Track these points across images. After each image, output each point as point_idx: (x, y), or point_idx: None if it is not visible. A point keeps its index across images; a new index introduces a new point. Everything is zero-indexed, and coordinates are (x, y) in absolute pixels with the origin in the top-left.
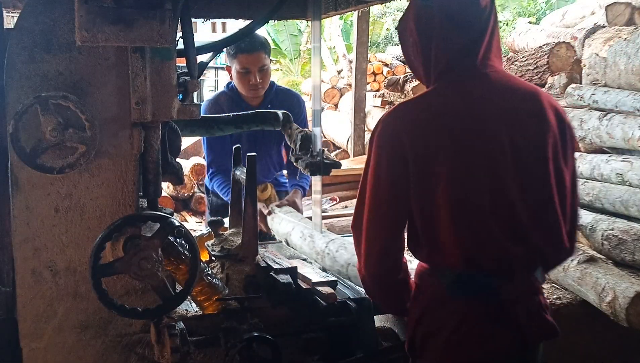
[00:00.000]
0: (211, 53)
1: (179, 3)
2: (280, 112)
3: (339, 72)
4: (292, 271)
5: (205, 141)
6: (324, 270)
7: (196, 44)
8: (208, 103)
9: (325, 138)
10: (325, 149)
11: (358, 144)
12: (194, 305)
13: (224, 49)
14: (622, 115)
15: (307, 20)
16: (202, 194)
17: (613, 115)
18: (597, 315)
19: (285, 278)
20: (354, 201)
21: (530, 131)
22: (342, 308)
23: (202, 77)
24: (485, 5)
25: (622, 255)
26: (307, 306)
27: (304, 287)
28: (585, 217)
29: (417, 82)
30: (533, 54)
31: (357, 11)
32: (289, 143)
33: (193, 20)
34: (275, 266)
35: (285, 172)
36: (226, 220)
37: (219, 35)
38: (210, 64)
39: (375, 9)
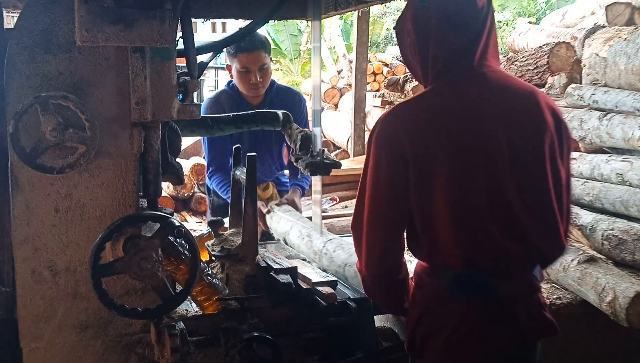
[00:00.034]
0: (211, 53)
1: (179, 3)
2: (280, 112)
3: (339, 72)
4: (292, 271)
5: (206, 140)
6: (324, 270)
7: (196, 44)
8: (209, 102)
9: (325, 137)
10: (325, 149)
11: (358, 144)
12: (194, 305)
13: (224, 49)
14: (622, 115)
15: (307, 20)
16: (202, 194)
17: (613, 115)
18: (597, 315)
19: (285, 278)
20: (354, 201)
21: (527, 131)
22: (342, 308)
23: (202, 77)
24: (482, 6)
25: (622, 255)
26: (307, 306)
27: (304, 287)
28: (586, 217)
29: (417, 82)
30: (533, 54)
31: (357, 11)
32: (289, 143)
33: (193, 20)
34: (275, 266)
35: (287, 172)
36: (226, 220)
37: (219, 35)
38: (210, 64)
39: (375, 9)
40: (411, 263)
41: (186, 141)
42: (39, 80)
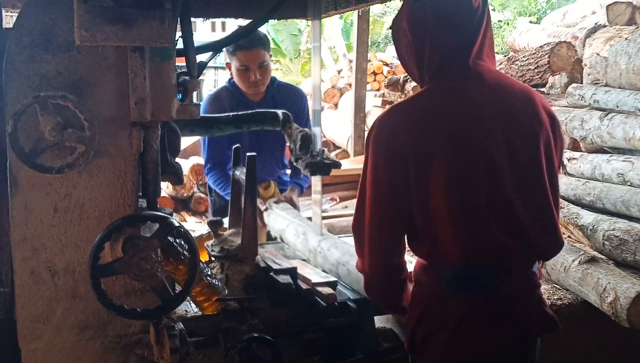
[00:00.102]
0: (211, 53)
1: (179, 2)
2: (280, 112)
3: (339, 72)
4: (292, 271)
5: (205, 137)
6: (324, 271)
7: (196, 44)
8: (209, 98)
9: (325, 137)
10: (325, 149)
11: (358, 144)
12: (193, 305)
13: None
14: (623, 115)
15: (307, 20)
16: (202, 195)
17: (614, 115)
18: (598, 315)
19: (285, 279)
20: (354, 201)
21: (524, 129)
22: (342, 308)
23: (201, 77)
24: (478, 6)
25: (623, 255)
26: (307, 307)
27: (304, 288)
28: (586, 217)
29: (413, 81)
30: (534, 54)
31: (357, 10)
32: (288, 143)
33: (192, 19)
34: (275, 266)
35: (289, 171)
36: (226, 220)
37: (219, 35)
38: (210, 64)
39: (375, 9)
40: (411, 263)
41: (185, 141)
42: (38, 80)
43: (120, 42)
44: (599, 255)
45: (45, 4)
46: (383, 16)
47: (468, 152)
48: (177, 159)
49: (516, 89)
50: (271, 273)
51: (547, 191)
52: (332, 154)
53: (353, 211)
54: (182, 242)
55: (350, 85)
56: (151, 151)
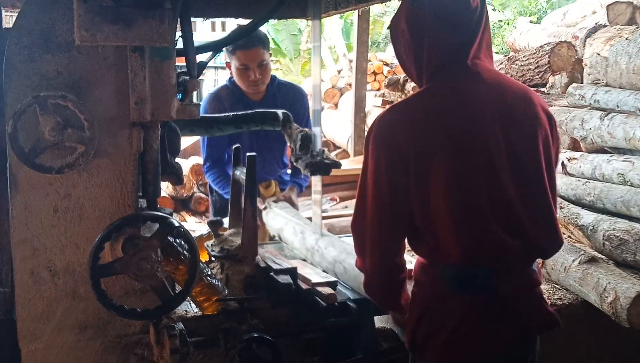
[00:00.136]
0: (210, 53)
1: (179, 2)
2: (280, 111)
3: (339, 72)
4: (292, 271)
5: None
6: (324, 271)
7: (195, 44)
8: (209, 97)
9: (325, 137)
10: (325, 149)
11: (358, 144)
12: (193, 305)
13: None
14: (624, 115)
15: (307, 20)
16: (202, 195)
17: (614, 115)
18: (599, 315)
19: (285, 279)
20: (354, 201)
21: (523, 128)
22: (342, 308)
23: (201, 77)
24: (476, 6)
25: (623, 255)
26: (307, 307)
27: (304, 288)
28: (587, 217)
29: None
30: (534, 54)
31: (357, 10)
32: (288, 143)
33: (192, 19)
34: (275, 266)
35: (290, 171)
36: (226, 220)
37: (219, 35)
38: (210, 64)
39: (375, 8)
40: (411, 263)
41: (185, 141)
42: (38, 79)
43: (120, 42)
44: (599, 255)
45: (45, 4)
46: (383, 16)
47: (468, 152)
48: (177, 159)
49: (515, 88)
50: (271, 273)
51: (547, 190)
52: (332, 154)
53: (353, 211)
54: (182, 242)
55: (350, 85)
56: (151, 151)
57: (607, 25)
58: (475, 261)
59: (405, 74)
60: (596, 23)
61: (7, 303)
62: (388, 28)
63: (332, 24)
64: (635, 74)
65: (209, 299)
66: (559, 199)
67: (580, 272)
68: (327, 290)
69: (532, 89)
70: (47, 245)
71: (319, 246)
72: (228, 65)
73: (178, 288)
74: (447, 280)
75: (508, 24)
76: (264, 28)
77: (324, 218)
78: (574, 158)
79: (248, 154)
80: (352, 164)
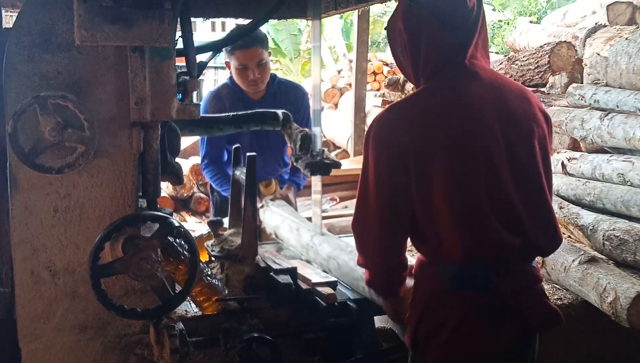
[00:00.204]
0: (210, 53)
1: (179, 3)
2: (280, 111)
3: (339, 72)
4: (292, 271)
5: None
6: (324, 271)
7: (195, 44)
8: (210, 96)
9: (325, 137)
10: (325, 149)
11: (358, 144)
12: (193, 305)
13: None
14: (624, 115)
15: (307, 20)
16: (202, 195)
17: (614, 115)
18: (599, 315)
19: (285, 279)
20: (354, 201)
21: (521, 127)
22: (342, 308)
23: (201, 77)
24: (473, 6)
25: (623, 255)
26: (307, 307)
27: (304, 288)
28: (587, 217)
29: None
30: (534, 54)
31: (357, 10)
32: (288, 143)
33: (192, 19)
34: (275, 266)
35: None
36: (226, 220)
37: (219, 35)
38: (210, 64)
39: (375, 9)
40: (412, 259)
41: (185, 141)
42: (38, 79)
43: (120, 42)
44: (599, 255)
45: (45, 4)
46: (383, 16)
47: (468, 152)
48: (177, 159)
49: (513, 88)
50: (271, 273)
51: (545, 189)
52: (332, 154)
53: (353, 211)
54: (182, 242)
55: (350, 85)
56: (151, 151)
57: (607, 25)
58: (475, 260)
59: None
60: (596, 23)
61: (7, 303)
62: (385, 29)
63: (332, 24)
64: (635, 74)
65: (209, 299)
66: (559, 200)
67: (580, 272)
68: (327, 290)
69: (532, 89)
70: (47, 245)
71: (313, 242)
72: (228, 65)
73: (178, 288)
74: (447, 279)
75: (508, 24)
76: (264, 28)
77: (324, 218)
78: (574, 158)
79: (248, 154)
80: (352, 164)
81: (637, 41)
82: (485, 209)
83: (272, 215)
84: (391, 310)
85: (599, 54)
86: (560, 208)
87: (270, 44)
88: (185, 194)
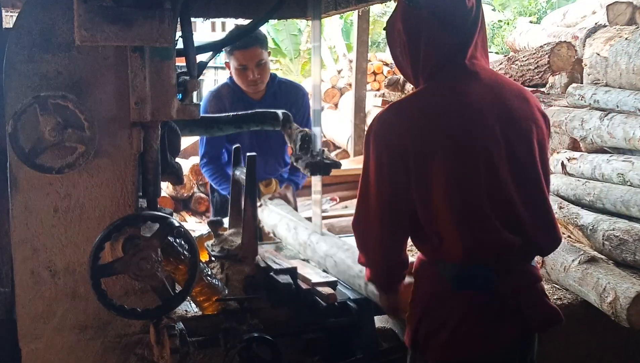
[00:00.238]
0: (210, 53)
1: (179, 3)
2: (280, 111)
3: (339, 72)
4: (292, 271)
5: None
6: (324, 270)
7: (195, 44)
8: (210, 95)
9: (325, 137)
10: (325, 149)
11: (358, 144)
12: (193, 305)
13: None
14: (623, 115)
15: (307, 20)
16: (202, 195)
17: (614, 115)
18: (598, 315)
19: (285, 279)
20: (354, 201)
21: (521, 127)
22: (342, 308)
23: (201, 77)
24: (472, 6)
25: (623, 255)
26: (307, 307)
27: (304, 288)
28: (586, 217)
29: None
30: (534, 54)
31: (357, 10)
32: (288, 143)
33: (192, 19)
34: (275, 266)
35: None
36: (226, 220)
37: (219, 35)
38: (210, 64)
39: (375, 9)
40: (412, 257)
41: (186, 141)
42: (38, 79)
43: (120, 42)
44: (599, 255)
45: (45, 4)
46: (383, 16)
47: (468, 152)
48: (177, 159)
49: (512, 88)
50: (271, 273)
51: (544, 189)
52: (332, 154)
53: (353, 211)
54: (182, 242)
55: (350, 85)
56: (151, 151)
57: (606, 26)
58: (476, 259)
59: None
60: (596, 23)
61: (7, 303)
62: (384, 29)
63: (332, 24)
64: (634, 74)
65: (209, 299)
66: (559, 200)
67: (580, 272)
68: (327, 290)
69: (532, 89)
70: (48, 244)
71: (310, 241)
72: (227, 65)
73: (178, 288)
74: (447, 279)
75: (508, 24)
76: (264, 28)
77: (324, 218)
78: (574, 158)
79: (248, 154)
80: (352, 164)
81: (637, 41)
82: (486, 209)
83: (271, 214)
84: (387, 304)
85: (598, 54)
86: (560, 208)
87: (270, 44)
88: (185, 194)
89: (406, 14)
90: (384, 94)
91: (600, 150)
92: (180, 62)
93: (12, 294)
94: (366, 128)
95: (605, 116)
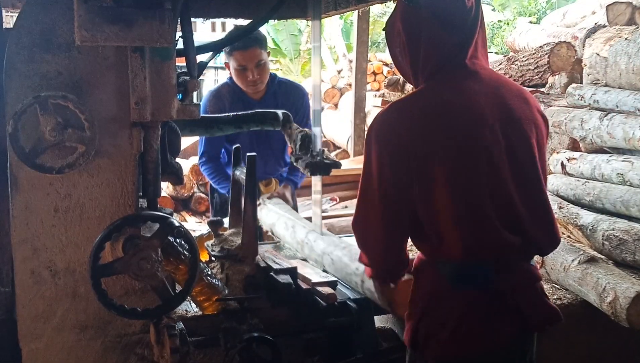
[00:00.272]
0: (210, 53)
1: (179, 3)
2: (280, 112)
3: (339, 72)
4: (292, 271)
5: None
6: (324, 270)
7: (196, 44)
8: (209, 95)
9: (325, 137)
10: (325, 149)
11: (358, 144)
12: (193, 305)
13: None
14: (623, 115)
15: (307, 20)
16: (202, 195)
17: (614, 115)
18: (598, 315)
19: (285, 279)
20: (354, 201)
21: (522, 128)
22: (342, 308)
23: (201, 77)
24: (471, 5)
25: (622, 255)
26: (307, 307)
27: (304, 287)
28: (586, 217)
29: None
30: (534, 54)
31: (357, 11)
32: (288, 143)
33: (192, 19)
34: (275, 266)
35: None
36: (226, 220)
37: (219, 35)
38: (210, 64)
39: (375, 9)
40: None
41: (186, 141)
42: (38, 80)
43: (121, 42)
44: (599, 255)
45: (45, 4)
46: (383, 16)
47: (469, 151)
48: (177, 159)
49: (512, 88)
50: (271, 273)
51: (543, 188)
52: (332, 154)
53: (353, 211)
54: (183, 242)
55: (350, 85)
56: (151, 151)
57: (606, 26)
58: (475, 258)
59: None
60: (596, 23)
61: (7, 302)
62: (383, 29)
63: (332, 24)
64: (634, 74)
65: (209, 299)
66: (558, 199)
67: (580, 272)
68: (327, 290)
69: (532, 89)
70: (48, 244)
71: (308, 239)
72: (227, 65)
73: (178, 288)
74: (447, 278)
75: (508, 24)
76: (264, 28)
77: (324, 218)
78: (574, 158)
79: (248, 154)
80: (352, 164)
81: (637, 41)
82: (486, 209)
83: (269, 213)
84: (383, 297)
85: (598, 54)
86: (560, 207)
87: (270, 44)
88: (185, 194)
89: (406, 13)
90: (384, 94)
91: (600, 150)
92: (180, 62)
93: (13, 294)
94: (366, 128)
95: (604, 116)
